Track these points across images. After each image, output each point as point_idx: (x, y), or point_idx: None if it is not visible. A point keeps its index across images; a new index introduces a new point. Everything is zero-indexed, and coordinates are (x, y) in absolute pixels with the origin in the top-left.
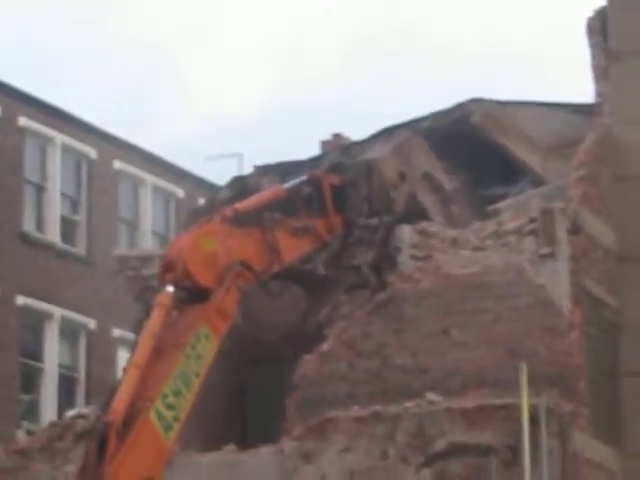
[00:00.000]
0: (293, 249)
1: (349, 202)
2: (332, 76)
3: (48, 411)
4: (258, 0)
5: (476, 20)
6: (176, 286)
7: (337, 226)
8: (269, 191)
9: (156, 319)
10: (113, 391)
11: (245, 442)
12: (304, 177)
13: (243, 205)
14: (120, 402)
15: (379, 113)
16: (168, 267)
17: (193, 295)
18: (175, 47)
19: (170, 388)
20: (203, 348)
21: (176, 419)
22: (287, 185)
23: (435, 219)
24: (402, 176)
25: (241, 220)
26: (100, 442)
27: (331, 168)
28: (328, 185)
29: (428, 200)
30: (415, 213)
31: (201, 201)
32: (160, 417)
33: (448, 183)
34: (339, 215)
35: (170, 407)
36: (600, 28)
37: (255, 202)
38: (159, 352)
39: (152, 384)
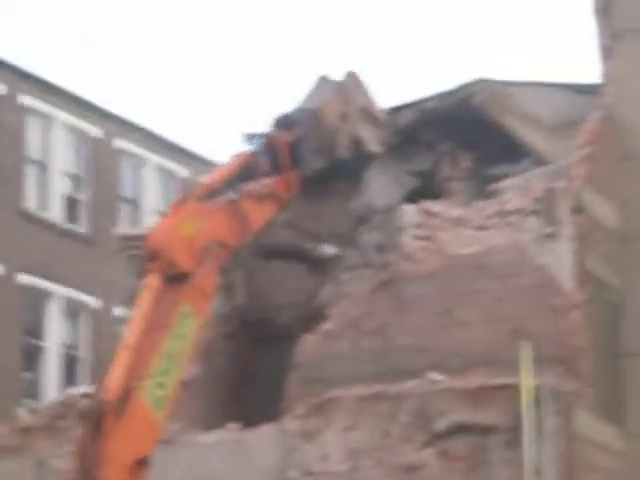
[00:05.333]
0: (260, 217)
1: (302, 157)
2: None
3: (50, 389)
4: None
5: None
6: (161, 274)
7: (295, 184)
8: (233, 160)
9: (145, 301)
10: (106, 372)
11: (249, 422)
12: (263, 140)
13: (212, 179)
14: (113, 382)
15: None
16: (152, 256)
17: (177, 276)
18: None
19: (159, 368)
20: (187, 328)
21: (166, 398)
22: (249, 150)
23: (373, 150)
24: (344, 117)
25: (211, 194)
26: (96, 421)
27: (281, 123)
28: (284, 144)
29: (366, 133)
30: (358, 152)
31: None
32: (151, 396)
33: (382, 114)
34: (295, 172)
35: (160, 386)
36: (606, 7)
37: (222, 174)
38: (148, 333)
39: (142, 364)
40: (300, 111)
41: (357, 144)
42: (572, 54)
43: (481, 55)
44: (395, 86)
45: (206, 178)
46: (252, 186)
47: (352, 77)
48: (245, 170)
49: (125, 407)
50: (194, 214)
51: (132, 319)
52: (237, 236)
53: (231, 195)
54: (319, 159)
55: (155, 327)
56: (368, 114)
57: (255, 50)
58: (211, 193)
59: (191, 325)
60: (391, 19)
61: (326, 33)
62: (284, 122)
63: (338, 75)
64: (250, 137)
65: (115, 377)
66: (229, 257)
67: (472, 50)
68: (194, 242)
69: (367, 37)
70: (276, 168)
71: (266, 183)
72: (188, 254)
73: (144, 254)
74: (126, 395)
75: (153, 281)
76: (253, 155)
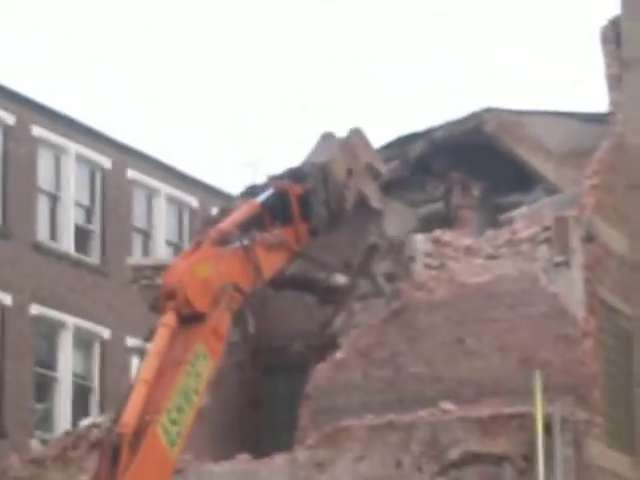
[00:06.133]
0: (271, 265)
1: (311, 209)
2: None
3: (62, 420)
4: None
5: (487, 27)
6: (177, 313)
7: (304, 235)
8: (246, 207)
9: (161, 338)
10: (121, 405)
11: (259, 451)
12: (272, 190)
13: (226, 225)
14: (130, 415)
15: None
16: (168, 295)
17: (192, 316)
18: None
19: (173, 404)
20: (201, 367)
21: (179, 434)
22: (260, 199)
23: (377, 207)
24: (350, 172)
25: (225, 239)
26: (112, 454)
27: (291, 176)
28: (294, 195)
29: (370, 190)
30: (362, 206)
31: (214, 210)
32: (165, 432)
33: (385, 169)
34: (304, 224)
35: (174, 422)
36: (614, 37)
37: (236, 220)
38: (163, 369)
39: (157, 400)
40: (309, 165)
41: (362, 200)
42: (581, 82)
43: (486, 81)
44: (395, 88)
45: (220, 224)
46: (264, 235)
47: (356, 134)
48: (255, 218)
49: (141, 441)
50: (209, 257)
51: (148, 355)
52: (250, 281)
53: (244, 241)
54: (327, 212)
55: (170, 364)
56: (372, 171)
57: (263, 78)
58: (224, 238)
59: (205, 365)
60: (391, 19)
61: (326, 33)
62: (294, 175)
63: (342, 132)
64: (260, 187)
65: (131, 411)
66: (241, 301)
67: (472, 53)
68: (209, 284)
69: (366, 37)
70: (285, 218)
71: (277, 233)
72: (203, 295)
73: (161, 293)
74: (142, 429)
75: (169, 319)
76: (263, 204)
